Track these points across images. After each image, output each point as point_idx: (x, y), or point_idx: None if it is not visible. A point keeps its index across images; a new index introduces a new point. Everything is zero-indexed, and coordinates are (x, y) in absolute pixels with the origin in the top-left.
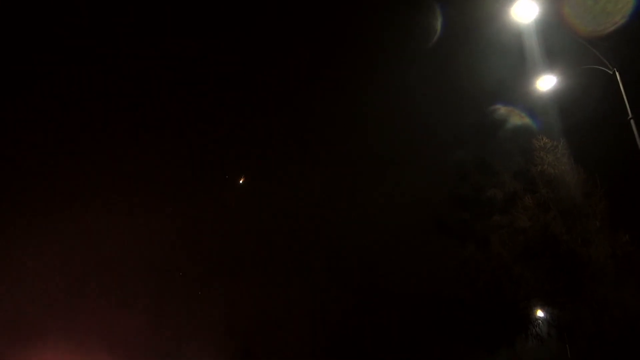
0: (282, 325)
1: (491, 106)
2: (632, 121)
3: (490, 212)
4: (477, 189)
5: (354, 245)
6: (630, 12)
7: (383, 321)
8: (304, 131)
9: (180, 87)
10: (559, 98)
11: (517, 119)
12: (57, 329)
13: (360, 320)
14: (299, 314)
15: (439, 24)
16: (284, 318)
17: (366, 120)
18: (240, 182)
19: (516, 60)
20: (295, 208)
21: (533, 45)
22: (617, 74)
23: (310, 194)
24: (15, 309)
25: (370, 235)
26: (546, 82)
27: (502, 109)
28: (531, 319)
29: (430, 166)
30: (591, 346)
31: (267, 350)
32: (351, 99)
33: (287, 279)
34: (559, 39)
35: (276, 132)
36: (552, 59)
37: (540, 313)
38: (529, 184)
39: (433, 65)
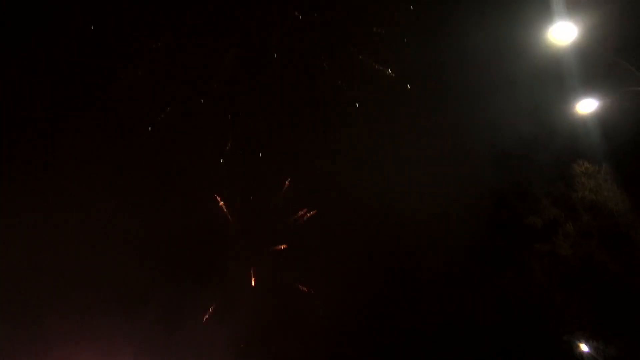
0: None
1: (530, 130)
2: None
3: (530, 239)
4: (515, 215)
5: (388, 269)
6: None
7: (417, 353)
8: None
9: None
10: (600, 121)
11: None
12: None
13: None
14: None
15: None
16: None
17: (400, 146)
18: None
19: (555, 84)
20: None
21: (572, 67)
22: None
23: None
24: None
25: (405, 262)
26: (586, 105)
27: (541, 133)
28: (575, 353)
29: (467, 192)
30: None
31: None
32: (385, 127)
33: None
34: (598, 61)
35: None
36: (592, 81)
37: (584, 347)
38: (569, 211)
39: (469, 88)
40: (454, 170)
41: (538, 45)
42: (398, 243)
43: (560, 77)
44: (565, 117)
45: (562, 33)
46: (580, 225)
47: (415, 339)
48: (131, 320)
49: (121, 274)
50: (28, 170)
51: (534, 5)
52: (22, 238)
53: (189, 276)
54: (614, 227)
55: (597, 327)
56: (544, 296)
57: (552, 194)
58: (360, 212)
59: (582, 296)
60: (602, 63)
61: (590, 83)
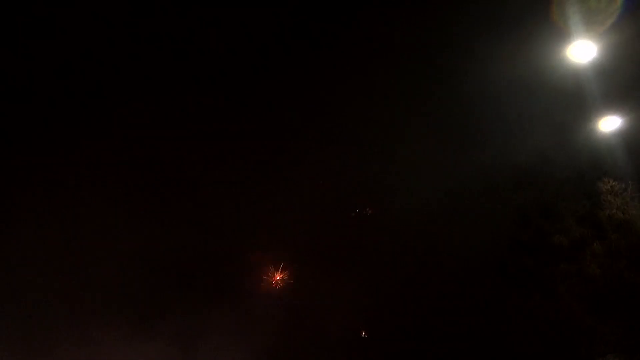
0: None
1: (553, 148)
2: None
3: (556, 259)
4: (540, 234)
5: (410, 289)
6: None
7: None
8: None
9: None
10: (624, 138)
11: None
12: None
13: None
14: None
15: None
16: None
17: (421, 163)
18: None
19: (578, 102)
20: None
21: (594, 85)
22: None
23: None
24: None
25: (428, 285)
26: (610, 123)
27: (565, 151)
28: None
29: (490, 211)
30: None
31: None
32: (405, 143)
33: None
34: (621, 78)
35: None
36: (615, 99)
37: None
38: (596, 230)
39: (490, 107)
40: (477, 190)
41: (560, 64)
42: (421, 266)
43: (582, 95)
44: (588, 135)
45: (581, 51)
46: (608, 244)
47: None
48: (145, 337)
49: (134, 289)
50: (42, 179)
51: (552, 24)
52: (31, 251)
53: (203, 291)
54: None
55: (630, 351)
56: (573, 318)
57: (578, 213)
58: (385, 230)
59: (612, 318)
60: (624, 80)
61: (612, 101)
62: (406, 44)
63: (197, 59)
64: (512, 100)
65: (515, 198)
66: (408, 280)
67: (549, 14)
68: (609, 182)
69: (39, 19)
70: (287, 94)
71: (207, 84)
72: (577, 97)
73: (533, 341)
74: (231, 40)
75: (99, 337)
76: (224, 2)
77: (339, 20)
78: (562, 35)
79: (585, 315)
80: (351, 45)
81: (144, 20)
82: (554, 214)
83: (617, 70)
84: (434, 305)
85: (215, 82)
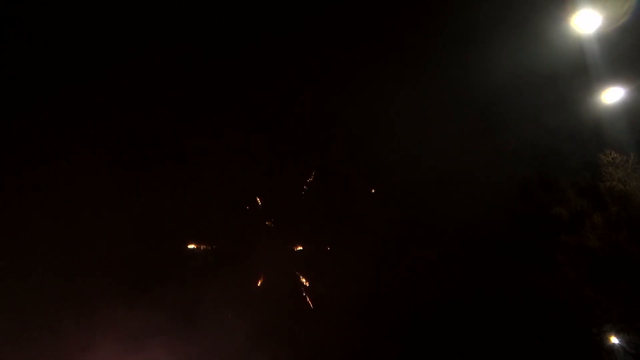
0: None
1: (555, 121)
2: None
3: (556, 231)
4: (540, 207)
5: (414, 269)
6: None
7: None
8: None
9: None
10: (627, 110)
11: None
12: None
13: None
14: None
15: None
16: None
17: (425, 136)
18: None
19: (580, 73)
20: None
21: (597, 57)
22: None
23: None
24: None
25: (430, 255)
26: (613, 95)
27: (566, 123)
28: (605, 346)
29: (491, 183)
30: None
31: None
32: (411, 116)
33: None
34: (624, 50)
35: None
36: (618, 70)
37: (614, 339)
38: (597, 202)
39: (493, 79)
40: (478, 163)
41: (562, 35)
42: (422, 238)
43: (585, 67)
44: (591, 107)
45: (586, 22)
46: (608, 216)
47: (441, 331)
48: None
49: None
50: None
51: None
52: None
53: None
54: None
55: (627, 320)
56: (572, 289)
57: (579, 185)
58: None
59: (610, 289)
60: (628, 51)
61: (616, 72)
62: (408, 16)
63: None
64: (514, 72)
65: (516, 170)
66: (410, 251)
67: None
68: (611, 154)
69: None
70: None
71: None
72: (580, 69)
73: (533, 310)
74: None
75: (96, 302)
76: None
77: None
78: (567, 5)
79: (584, 285)
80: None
81: None
82: (555, 186)
83: (621, 42)
84: (436, 277)
85: None
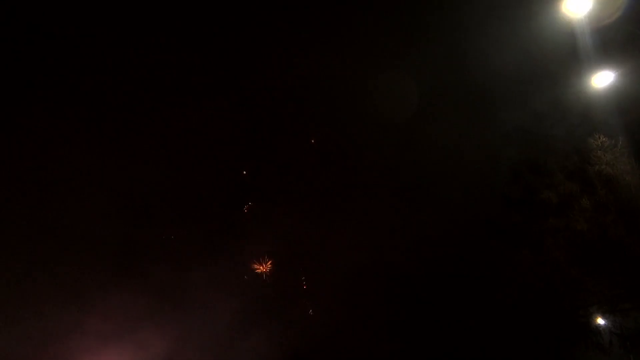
0: None
1: (544, 104)
2: None
3: (545, 214)
4: (530, 190)
5: (403, 250)
6: None
7: (430, 327)
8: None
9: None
10: (616, 94)
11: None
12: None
13: (413, 324)
14: None
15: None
16: None
17: (413, 118)
18: None
19: (570, 56)
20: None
21: (587, 40)
22: None
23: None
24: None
25: (418, 240)
26: (602, 78)
27: (556, 106)
28: (591, 327)
29: (480, 167)
30: None
31: None
32: (400, 99)
33: None
34: (615, 33)
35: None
36: (608, 54)
37: (600, 320)
38: (585, 185)
39: (483, 64)
40: (467, 147)
41: (553, 17)
42: (412, 219)
43: (575, 50)
44: (580, 91)
45: (577, 5)
46: (596, 199)
47: (428, 312)
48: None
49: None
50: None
51: None
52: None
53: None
54: (631, 201)
55: (613, 301)
56: (560, 271)
57: (567, 169)
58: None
59: (597, 271)
60: (619, 35)
61: (606, 55)
62: None
63: None
64: (504, 55)
65: (506, 154)
66: (399, 232)
67: None
68: (599, 138)
69: None
70: None
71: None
72: (570, 52)
73: (520, 293)
74: None
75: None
76: None
77: None
78: None
79: (571, 267)
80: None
81: None
82: (544, 170)
83: (612, 25)
84: (425, 258)
85: None
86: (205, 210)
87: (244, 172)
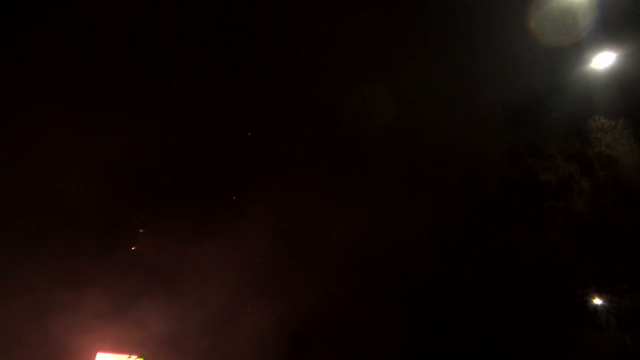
0: None
1: (544, 85)
2: None
3: (544, 196)
4: (529, 172)
5: (402, 234)
6: None
7: (429, 312)
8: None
9: None
10: (617, 75)
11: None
12: None
13: (412, 309)
14: None
15: None
16: None
17: (412, 101)
18: None
19: (571, 36)
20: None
21: (589, 20)
22: None
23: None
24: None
25: (417, 221)
26: (603, 59)
27: (556, 88)
28: (589, 308)
29: (480, 149)
30: None
31: None
32: (396, 83)
33: None
34: (616, 13)
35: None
36: (610, 34)
37: (598, 301)
38: (585, 167)
39: (481, 41)
40: (466, 128)
41: None
42: (410, 200)
43: (576, 30)
44: (581, 72)
45: None
46: (595, 181)
47: (426, 294)
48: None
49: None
50: None
51: None
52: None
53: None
54: (631, 182)
55: (611, 282)
56: (559, 252)
57: (567, 151)
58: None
59: (596, 252)
60: (620, 16)
61: (607, 36)
62: None
63: None
64: (503, 36)
65: (506, 136)
66: (399, 213)
67: None
68: (599, 120)
69: None
70: None
71: None
72: (571, 32)
73: (519, 273)
74: None
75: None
76: None
77: None
78: None
79: (570, 249)
80: None
81: None
82: (544, 152)
83: (612, 5)
84: (424, 238)
85: None
86: (203, 187)
87: (245, 143)
